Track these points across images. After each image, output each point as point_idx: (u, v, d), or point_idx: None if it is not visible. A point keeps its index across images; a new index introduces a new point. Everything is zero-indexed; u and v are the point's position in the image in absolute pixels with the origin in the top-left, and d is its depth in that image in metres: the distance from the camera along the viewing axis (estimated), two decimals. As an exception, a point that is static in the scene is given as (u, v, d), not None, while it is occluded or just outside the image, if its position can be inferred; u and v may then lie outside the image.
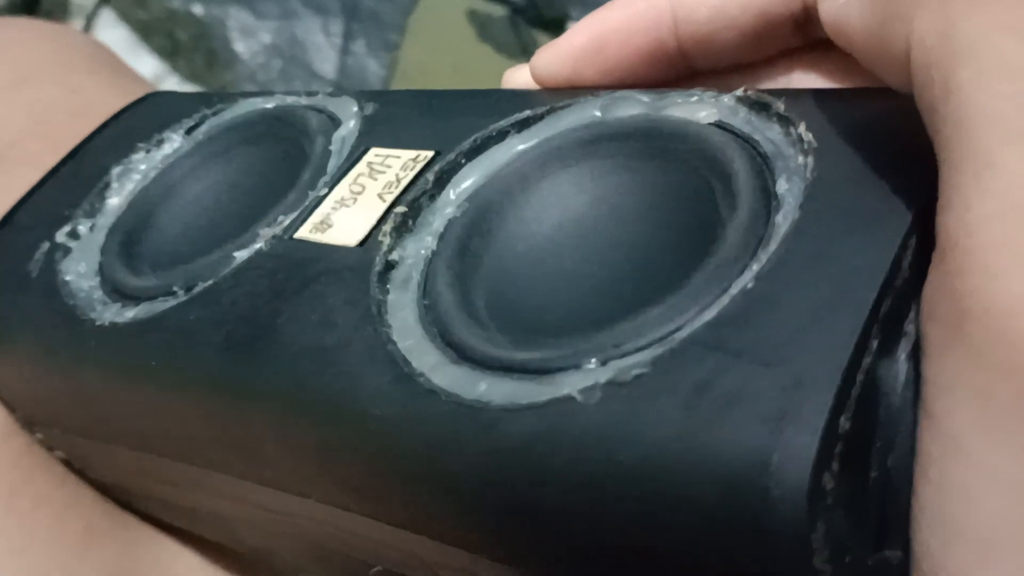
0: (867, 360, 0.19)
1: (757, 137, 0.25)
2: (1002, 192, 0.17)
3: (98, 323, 0.30)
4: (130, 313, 0.30)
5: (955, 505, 0.18)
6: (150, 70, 0.65)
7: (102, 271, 0.32)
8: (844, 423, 0.19)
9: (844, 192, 0.22)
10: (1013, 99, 0.17)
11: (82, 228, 0.34)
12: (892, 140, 0.22)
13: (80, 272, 0.32)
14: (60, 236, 0.33)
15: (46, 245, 0.33)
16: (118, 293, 0.31)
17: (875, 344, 0.20)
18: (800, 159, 0.23)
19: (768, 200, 0.23)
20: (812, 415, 0.18)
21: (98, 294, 0.31)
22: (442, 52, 0.64)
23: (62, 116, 0.41)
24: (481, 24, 0.66)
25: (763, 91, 0.26)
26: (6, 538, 0.36)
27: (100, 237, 0.33)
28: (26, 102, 0.42)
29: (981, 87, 0.17)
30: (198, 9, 0.63)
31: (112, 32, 0.64)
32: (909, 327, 0.20)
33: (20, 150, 0.40)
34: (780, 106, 0.25)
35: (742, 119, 0.26)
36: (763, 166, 0.24)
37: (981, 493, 0.17)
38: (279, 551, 0.34)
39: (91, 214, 0.34)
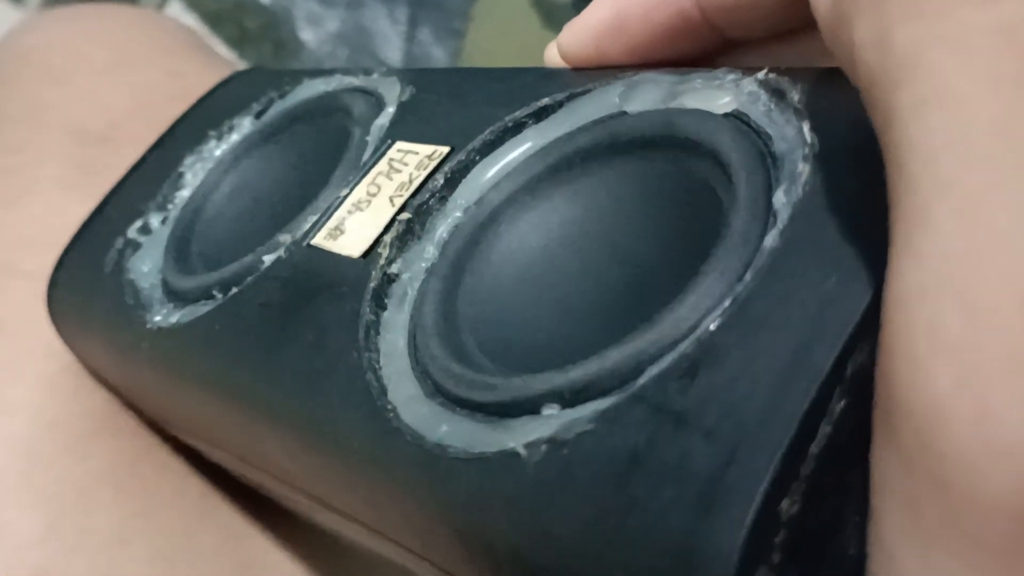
0: (826, 429, 0.17)
1: (772, 133, 0.22)
2: (930, 260, 0.14)
3: (148, 326, 0.30)
4: (175, 317, 0.30)
5: None
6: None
7: (164, 268, 0.32)
8: (790, 507, 0.16)
9: (828, 219, 0.18)
10: (949, 135, 0.14)
11: (154, 222, 0.34)
12: None
13: (144, 271, 0.33)
14: (132, 231, 0.34)
15: (121, 240, 0.34)
16: (171, 293, 0.31)
17: (839, 407, 0.17)
18: (800, 166, 0.20)
19: (765, 216, 0.20)
20: (741, 500, 0.16)
21: (158, 293, 0.32)
22: (507, 39, 0.60)
23: (163, 98, 0.42)
24: (546, 11, 0.62)
25: (786, 73, 0.22)
26: (134, 499, 0.38)
27: (170, 231, 0.34)
28: (128, 84, 0.43)
29: (918, 118, 0.14)
30: None
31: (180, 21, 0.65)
32: None
33: (124, 131, 0.42)
34: (795, 95, 0.21)
35: (761, 109, 0.22)
36: (769, 171, 0.21)
37: None
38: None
39: (163, 207, 0.35)
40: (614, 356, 0.19)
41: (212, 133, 0.36)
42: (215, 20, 0.59)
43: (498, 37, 0.62)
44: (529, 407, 0.20)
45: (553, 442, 0.19)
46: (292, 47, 0.59)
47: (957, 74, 0.14)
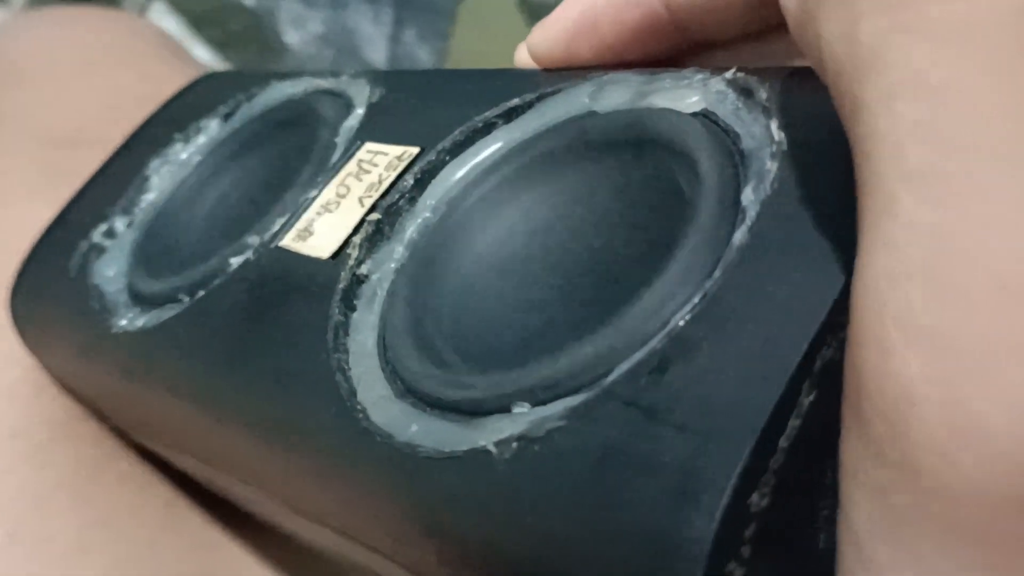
0: (795, 422, 0.17)
1: (740, 131, 0.22)
2: (900, 246, 0.14)
3: (113, 331, 0.30)
4: (140, 321, 0.30)
5: None
6: (202, 61, 0.65)
7: (130, 272, 0.32)
8: (759, 500, 0.16)
9: (796, 215, 0.19)
10: (918, 124, 0.14)
11: (119, 225, 0.34)
12: None
13: (109, 275, 0.32)
14: (96, 235, 0.34)
15: (85, 245, 0.34)
16: (137, 297, 0.31)
17: (808, 401, 0.17)
18: (768, 164, 0.20)
19: (733, 213, 0.20)
20: (711, 494, 0.16)
21: (123, 297, 0.31)
22: (492, 41, 0.60)
23: (133, 101, 0.41)
24: (532, 13, 0.62)
25: (754, 72, 0.22)
26: (93, 508, 0.38)
27: (135, 235, 0.33)
28: (98, 87, 0.43)
29: (886, 107, 0.14)
30: (250, 0, 0.62)
31: (164, 23, 0.64)
32: None
33: (95, 135, 0.41)
34: (763, 94, 0.22)
35: (729, 108, 0.22)
36: (737, 167, 0.21)
37: None
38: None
39: (128, 210, 0.34)
40: (584, 353, 0.19)
41: (178, 136, 0.35)
42: (198, 22, 0.59)
43: (484, 39, 0.62)
44: (499, 405, 0.20)
45: (524, 439, 0.19)
46: (276, 49, 0.58)
47: (928, 65, 0.14)
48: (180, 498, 0.40)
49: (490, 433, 0.20)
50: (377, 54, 0.57)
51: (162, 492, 0.39)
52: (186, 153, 0.35)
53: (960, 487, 0.13)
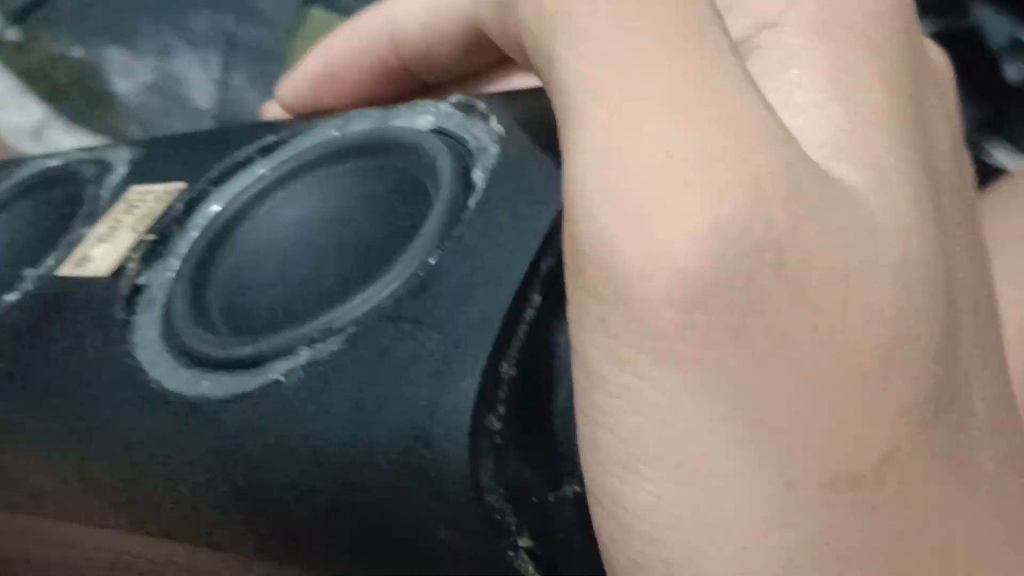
0: (529, 312, 0.21)
1: (466, 136, 0.27)
2: (593, 144, 0.19)
3: None
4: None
5: (600, 431, 0.19)
6: (37, 116, 0.65)
7: None
8: (508, 369, 0.21)
9: (519, 173, 0.24)
10: (595, 59, 0.19)
11: None
12: None
13: None
14: None
15: None
16: None
17: (537, 298, 0.21)
18: (491, 148, 0.25)
19: (467, 188, 0.25)
20: (470, 363, 0.20)
21: None
22: None
23: None
24: None
25: (473, 96, 0.28)
26: None
27: None
28: None
29: (571, 54, 0.19)
30: (78, 52, 0.62)
31: (-1, 82, 0.64)
32: None
33: None
34: (482, 106, 0.27)
35: (456, 123, 0.28)
36: (467, 160, 0.26)
37: (618, 415, 0.19)
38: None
39: None
40: (357, 296, 0.23)
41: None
42: (29, 76, 0.58)
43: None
44: (282, 350, 0.23)
45: (311, 364, 0.22)
46: (106, 99, 0.58)
47: (592, 19, 0.19)
48: None
49: (278, 369, 0.23)
50: (206, 101, 0.58)
51: None
52: None
53: (656, 298, 0.18)
